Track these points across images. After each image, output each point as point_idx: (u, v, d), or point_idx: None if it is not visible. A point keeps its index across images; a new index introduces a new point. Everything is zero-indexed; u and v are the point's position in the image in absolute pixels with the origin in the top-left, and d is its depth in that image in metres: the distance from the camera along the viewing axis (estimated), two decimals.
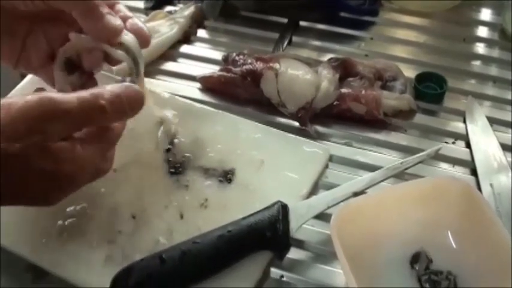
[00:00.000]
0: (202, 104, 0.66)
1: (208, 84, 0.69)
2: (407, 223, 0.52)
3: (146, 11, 0.82)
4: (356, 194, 0.54)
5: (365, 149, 0.63)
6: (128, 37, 0.51)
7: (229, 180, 0.58)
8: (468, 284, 0.49)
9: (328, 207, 0.53)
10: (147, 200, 0.56)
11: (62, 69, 0.53)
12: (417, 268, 0.51)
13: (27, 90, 0.66)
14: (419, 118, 0.66)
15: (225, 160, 0.60)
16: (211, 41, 0.78)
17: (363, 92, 0.65)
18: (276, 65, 0.66)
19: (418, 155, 0.57)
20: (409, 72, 0.70)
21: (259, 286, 0.52)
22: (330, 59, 0.68)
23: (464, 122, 0.65)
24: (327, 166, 0.61)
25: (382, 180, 0.56)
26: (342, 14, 0.80)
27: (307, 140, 0.62)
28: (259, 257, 0.52)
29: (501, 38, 0.76)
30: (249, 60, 0.68)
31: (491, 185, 0.58)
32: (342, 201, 0.54)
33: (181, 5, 0.82)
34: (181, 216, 0.55)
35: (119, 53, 0.51)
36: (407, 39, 0.77)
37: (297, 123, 0.65)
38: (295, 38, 0.76)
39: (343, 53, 0.73)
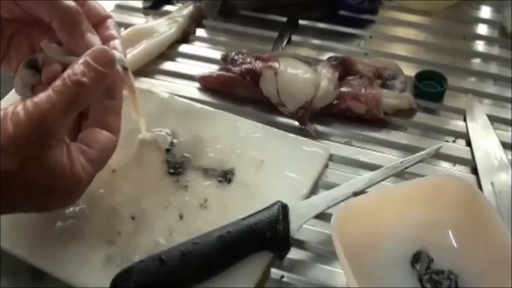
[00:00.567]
0: (201, 104, 0.66)
1: (208, 84, 0.69)
2: (408, 222, 0.52)
3: (145, 10, 0.81)
4: (356, 194, 0.54)
5: (365, 148, 0.63)
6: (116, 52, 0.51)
7: (229, 180, 0.57)
8: (469, 284, 0.49)
9: (329, 207, 0.53)
10: (146, 200, 0.56)
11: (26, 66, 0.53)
12: (418, 268, 0.50)
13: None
14: (420, 117, 0.66)
15: (225, 160, 0.59)
16: (210, 40, 0.77)
17: (363, 90, 0.64)
18: (276, 64, 0.65)
19: (418, 154, 0.57)
20: (409, 71, 0.70)
21: (260, 286, 0.51)
22: (329, 58, 0.68)
23: (465, 120, 0.65)
24: (327, 165, 0.60)
25: (382, 180, 0.56)
26: (342, 12, 0.79)
27: (307, 139, 0.61)
28: (259, 258, 0.51)
29: (501, 36, 0.76)
30: (248, 60, 0.67)
31: (492, 183, 0.58)
32: (342, 200, 0.54)
33: (179, 5, 0.81)
34: (181, 217, 0.55)
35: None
36: (407, 38, 0.76)
37: (296, 123, 0.64)
38: (294, 37, 0.76)
39: (343, 52, 0.73)
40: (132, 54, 0.71)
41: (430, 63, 0.72)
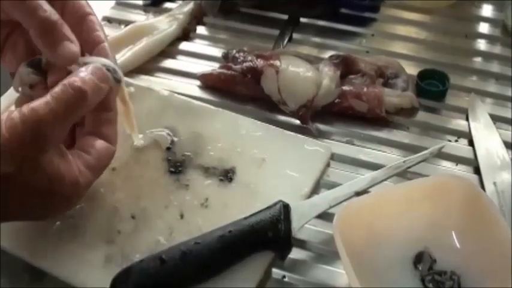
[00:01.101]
0: (201, 102, 0.65)
1: (208, 82, 0.69)
2: (411, 222, 0.51)
3: (145, 7, 0.81)
4: (358, 193, 0.54)
5: (367, 147, 0.62)
6: (108, 62, 0.50)
7: (230, 179, 0.57)
8: (472, 284, 0.49)
9: (330, 207, 0.53)
10: (146, 199, 0.56)
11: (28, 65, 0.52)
12: (420, 268, 0.50)
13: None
14: (422, 116, 0.65)
15: (226, 159, 0.59)
16: (210, 38, 0.77)
17: (365, 89, 0.64)
18: (277, 62, 0.65)
19: (420, 154, 0.57)
20: (411, 69, 0.69)
21: (261, 286, 0.51)
22: (331, 56, 0.67)
23: (467, 119, 0.65)
24: (328, 164, 0.60)
25: (384, 179, 0.55)
26: (343, 10, 0.79)
27: (309, 138, 0.61)
28: (260, 258, 0.51)
29: (503, 35, 0.76)
30: (249, 58, 0.67)
31: (494, 183, 0.57)
32: (344, 200, 0.53)
33: (180, 2, 0.81)
34: (182, 216, 0.54)
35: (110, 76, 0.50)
36: (408, 36, 0.76)
37: (297, 121, 0.64)
38: (295, 35, 0.76)
39: (344, 50, 0.73)
40: (133, 52, 0.70)
41: (431, 61, 0.71)
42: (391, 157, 0.61)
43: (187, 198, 0.56)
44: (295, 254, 0.53)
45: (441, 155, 0.60)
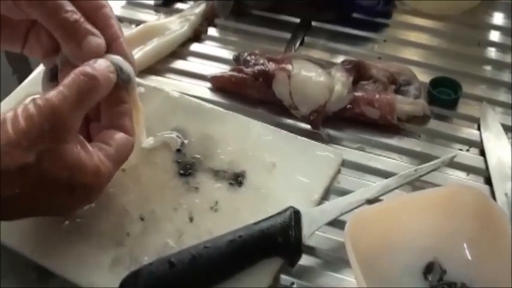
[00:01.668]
0: (212, 104, 0.65)
1: (219, 84, 0.68)
2: (422, 232, 0.51)
3: (156, 7, 0.81)
4: (369, 201, 0.54)
5: (377, 154, 0.62)
6: (116, 59, 0.51)
7: (240, 183, 0.57)
8: None
9: (341, 214, 0.53)
10: (156, 201, 0.56)
11: (48, 79, 0.54)
12: (430, 279, 0.50)
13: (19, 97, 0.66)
14: (433, 124, 0.65)
15: (236, 162, 0.59)
16: (221, 40, 0.77)
17: (377, 96, 0.64)
18: (289, 66, 0.65)
19: (432, 163, 0.57)
20: (422, 76, 0.69)
21: None
22: (343, 62, 0.67)
23: (479, 128, 0.64)
24: (338, 171, 0.60)
25: (396, 188, 0.55)
26: (355, 15, 0.79)
27: (320, 143, 0.61)
28: (269, 264, 0.51)
29: None
30: (261, 61, 0.67)
31: (506, 194, 0.57)
32: (355, 207, 0.53)
33: (191, 2, 0.81)
34: (191, 219, 0.54)
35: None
36: (420, 43, 0.76)
37: (308, 126, 0.64)
38: (307, 39, 0.76)
39: (356, 55, 0.72)
40: (143, 52, 0.70)
41: (443, 69, 0.71)
42: (401, 165, 0.61)
43: (197, 202, 0.56)
44: (304, 260, 0.53)
45: (452, 164, 0.59)
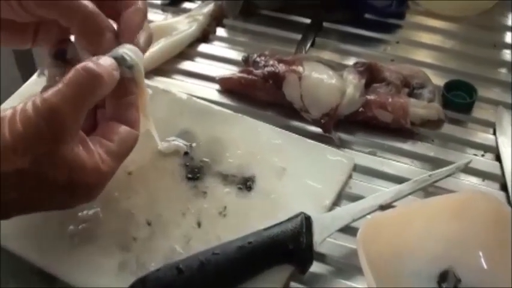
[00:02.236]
0: (220, 106, 0.65)
1: (228, 86, 0.69)
2: (436, 239, 0.51)
3: (163, 7, 0.81)
4: (382, 207, 0.54)
5: (390, 159, 0.62)
6: (130, 53, 0.51)
7: (249, 188, 0.57)
8: None
9: (354, 220, 0.53)
10: (163, 206, 0.56)
11: (52, 56, 0.53)
12: (445, 287, 0.50)
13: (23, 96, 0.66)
14: (447, 128, 0.65)
15: (245, 166, 0.59)
16: (230, 40, 0.77)
17: (390, 99, 0.64)
18: (300, 68, 0.65)
19: (446, 168, 0.57)
20: (436, 79, 0.69)
21: None
22: (355, 64, 0.67)
23: (494, 133, 0.64)
24: (350, 176, 0.60)
25: (409, 193, 0.55)
26: (367, 15, 0.79)
27: (331, 147, 0.61)
28: (280, 270, 0.51)
29: None
30: (271, 62, 0.67)
31: None
32: (367, 214, 0.53)
33: (199, 2, 0.81)
34: (199, 225, 0.54)
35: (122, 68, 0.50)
36: (434, 44, 0.76)
37: (319, 130, 0.64)
38: (318, 40, 0.76)
39: (368, 57, 0.72)
40: (150, 52, 0.70)
41: (457, 72, 0.71)
42: (415, 170, 0.61)
43: (205, 206, 0.56)
44: (315, 267, 0.53)
45: (467, 169, 0.59)
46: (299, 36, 0.76)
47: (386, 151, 0.63)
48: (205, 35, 0.76)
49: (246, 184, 0.57)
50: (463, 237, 0.51)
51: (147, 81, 0.65)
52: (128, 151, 0.51)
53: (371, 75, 0.66)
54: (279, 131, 0.62)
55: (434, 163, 0.61)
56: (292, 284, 0.52)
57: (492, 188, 0.60)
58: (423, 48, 0.75)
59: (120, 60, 0.50)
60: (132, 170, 0.58)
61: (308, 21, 0.78)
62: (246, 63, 0.71)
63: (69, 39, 0.53)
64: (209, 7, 0.77)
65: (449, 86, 0.67)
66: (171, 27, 0.74)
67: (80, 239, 0.54)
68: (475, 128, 0.66)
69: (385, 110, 0.63)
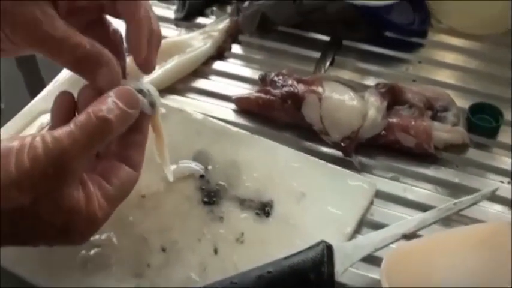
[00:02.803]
0: (236, 127, 0.66)
1: (244, 106, 0.69)
2: (463, 271, 0.51)
3: (177, 22, 0.82)
4: (406, 236, 0.54)
5: (412, 185, 0.63)
6: (152, 91, 0.52)
7: (267, 214, 0.58)
8: None
9: (376, 250, 0.53)
10: (178, 231, 0.56)
11: None
12: None
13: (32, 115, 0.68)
14: (472, 153, 0.65)
15: (263, 191, 0.60)
16: (245, 58, 0.78)
17: (413, 122, 0.64)
18: (320, 89, 0.66)
19: (472, 196, 0.57)
20: (460, 101, 0.70)
21: None
22: (377, 85, 0.68)
23: None
24: (371, 202, 0.60)
25: (433, 222, 0.55)
26: (388, 33, 0.79)
27: (351, 172, 0.62)
28: None
29: None
30: (289, 82, 0.68)
31: None
32: (390, 243, 0.53)
33: (213, 17, 0.82)
34: (216, 251, 0.55)
35: (143, 100, 0.51)
36: (458, 64, 0.76)
37: (339, 153, 0.64)
38: (337, 58, 0.76)
39: (389, 77, 0.73)
40: (164, 70, 0.71)
41: (482, 93, 0.72)
42: (438, 197, 0.61)
43: (222, 232, 0.56)
44: None
45: (493, 197, 0.60)
46: (317, 54, 0.77)
47: (408, 176, 0.64)
48: (220, 52, 0.76)
49: (264, 209, 0.58)
50: (492, 269, 0.51)
51: (161, 100, 0.67)
52: (127, 194, 0.51)
53: (393, 97, 0.67)
54: (298, 154, 0.63)
55: (459, 190, 0.62)
56: None
57: None
58: (446, 68, 0.76)
59: (145, 94, 0.51)
60: (146, 193, 0.59)
61: (327, 38, 0.79)
62: (263, 82, 0.71)
63: None
64: (224, 23, 0.78)
65: (474, 109, 0.68)
66: (185, 44, 0.75)
67: (92, 265, 0.54)
68: (501, 153, 0.66)
69: (408, 134, 0.64)
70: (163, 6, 0.84)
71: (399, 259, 0.49)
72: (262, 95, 0.68)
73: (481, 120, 0.68)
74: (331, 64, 0.76)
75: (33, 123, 0.68)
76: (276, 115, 0.68)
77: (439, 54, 0.78)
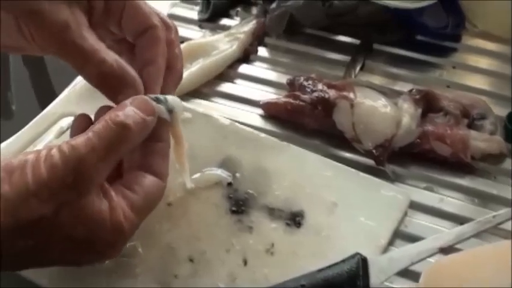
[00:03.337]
0: (264, 133, 0.66)
1: (272, 111, 0.70)
2: None
3: (200, 23, 0.83)
4: (443, 250, 0.54)
5: (448, 196, 0.63)
6: (170, 98, 0.53)
7: (298, 224, 0.58)
8: None
9: (412, 264, 0.53)
10: (206, 241, 0.57)
11: None
12: None
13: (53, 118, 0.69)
14: (510, 163, 0.66)
15: (292, 200, 0.60)
16: (272, 61, 0.78)
17: (448, 131, 0.65)
18: (351, 94, 0.66)
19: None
20: (497, 109, 0.70)
21: None
22: (410, 91, 0.68)
23: None
24: (405, 213, 0.61)
25: (471, 236, 0.55)
26: (420, 37, 0.80)
27: (384, 181, 0.62)
28: None
29: None
30: (320, 87, 0.68)
31: None
32: (427, 257, 0.54)
33: (238, 18, 0.83)
34: (245, 262, 0.55)
35: (159, 107, 0.51)
36: (494, 70, 0.76)
37: (371, 162, 0.65)
38: (367, 62, 0.77)
39: (422, 83, 0.73)
40: (189, 73, 0.72)
41: None
42: (475, 209, 0.61)
43: (251, 243, 0.57)
44: None
45: None
46: (346, 58, 0.77)
47: (443, 187, 0.64)
48: (246, 55, 0.77)
49: (295, 220, 0.58)
50: None
51: (186, 104, 0.67)
52: (154, 205, 0.51)
53: (427, 104, 0.67)
54: (329, 162, 0.63)
55: (496, 201, 0.62)
56: None
57: None
58: (481, 74, 0.76)
59: (161, 101, 0.51)
60: (172, 200, 0.59)
61: (356, 41, 0.79)
62: (291, 86, 0.72)
63: None
64: (250, 25, 0.79)
65: None
66: (210, 46, 0.75)
67: (118, 275, 0.55)
68: None
69: (443, 143, 0.64)
70: (187, 7, 0.85)
71: (438, 274, 0.49)
72: (291, 100, 0.68)
73: None
74: (361, 69, 0.76)
75: (51, 127, 0.68)
76: (305, 121, 0.68)
77: (473, 59, 0.78)
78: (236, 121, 0.68)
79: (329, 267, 0.52)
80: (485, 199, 0.63)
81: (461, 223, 0.57)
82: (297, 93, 0.69)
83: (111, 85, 0.50)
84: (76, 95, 0.71)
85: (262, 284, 0.52)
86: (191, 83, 0.72)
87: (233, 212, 0.59)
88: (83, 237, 0.46)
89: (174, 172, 0.56)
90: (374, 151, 0.64)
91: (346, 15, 0.78)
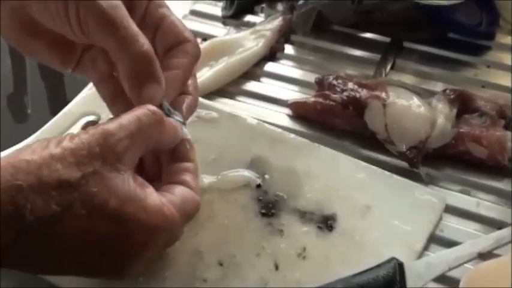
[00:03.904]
0: (293, 134, 0.67)
1: (301, 111, 0.70)
2: None
3: (224, 20, 0.83)
4: (481, 255, 0.54)
5: (484, 199, 0.63)
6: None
7: (331, 228, 0.58)
8: None
9: (450, 269, 0.53)
10: (235, 244, 0.57)
11: None
12: None
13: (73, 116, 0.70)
14: None
15: (324, 203, 0.60)
16: (299, 59, 0.79)
17: (485, 132, 0.65)
18: (383, 94, 0.67)
19: None
20: None
21: None
22: (444, 91, 0.69)
23: None
24: (441, 217, 0.61)
25: (510, 241, 0.56)
26: (452, 35, 0.80)
27: (419, 184, 0.62)
28: None
29: None
30: (350, 86, 0.68)
31: None
32: (465, 262, 0.54)
33: (263, 15, 0.83)
34: (276, 267, 0.56)
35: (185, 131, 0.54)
36: None
37: (404, 164, 0.65)
38: (398, 61, 0.77)
39: (455, 82, 0.74)
40: (214, 71, 0.73)
41: None
42: None
43: (282, 247, 0.57)
44: None
45: None
46: (375, 57, 0.78)
47: (480, 190, 0.64)
48: (272, 53, 0.78)
49: (327, 223, 0.59)
50: None
51: (210, 103, 0.68)
52: (192, 211, 0.52)
53: (462, 104, 0.68)
54: (362, 164, 0.64)
55: None
56: None
57: None
58: None
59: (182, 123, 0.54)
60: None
61: (386, 39, 0.80)
62: (320, 85, 0.72)
63: None
64: (277, 22, 0.79)
65: None
66: (235, 44, 0.76)
67: (145, 278, 0.55)
68: None
69: (480, 145, 0.64)
70: (210, 3, 0.86)
71: (478, 280, 0.50)
72: (321, 100, 0.69)
73: None
74: (391, 67, 0.76)
75: (72, 127, 0.69)
76: (336, 122, 0.69)
77: (508, 58, 0.78)
78: (263, 121, 0.68)
79: (364, 272, 0.52)
80: None
81: (499, 228, 0.58)
82: (327, 92, 0.69)
83: (142, 72, 0.51)
84: (96, 94, 0.71)
85: None
86: (216, 82, 0.73)
87: (263, 214, 0.59)
88: (116, 212, 0.45)
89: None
90: (407, 153, 0.64)
91: (376, 12, 0.78)
